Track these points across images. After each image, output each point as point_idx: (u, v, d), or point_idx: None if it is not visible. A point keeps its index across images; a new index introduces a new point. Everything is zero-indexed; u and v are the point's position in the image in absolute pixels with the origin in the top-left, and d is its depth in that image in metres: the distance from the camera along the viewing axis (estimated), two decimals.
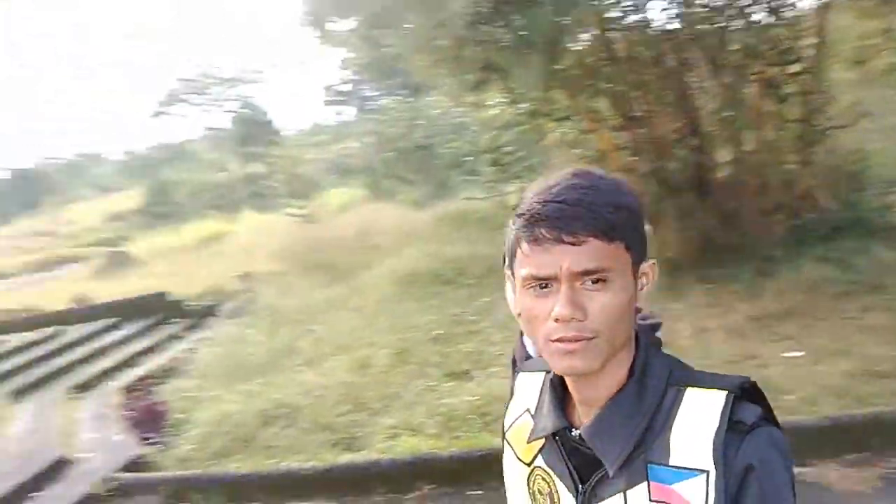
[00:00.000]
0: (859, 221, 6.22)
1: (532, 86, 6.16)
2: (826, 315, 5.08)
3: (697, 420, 0.88)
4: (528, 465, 1.04)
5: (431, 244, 10.12)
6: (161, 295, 10.91)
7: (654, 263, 0.95)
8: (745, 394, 0.89)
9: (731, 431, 0.85)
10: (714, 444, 0.85)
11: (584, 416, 0.96)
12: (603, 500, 0.92)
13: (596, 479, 0.93)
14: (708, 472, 0.84)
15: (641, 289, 0.93)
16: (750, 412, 0.87)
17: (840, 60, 7.55)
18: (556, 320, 0.86)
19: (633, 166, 6.53)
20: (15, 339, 9.68)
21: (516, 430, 1.08)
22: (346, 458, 4.57)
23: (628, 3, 6.49)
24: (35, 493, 4.78)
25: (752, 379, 0.91)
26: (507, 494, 1.10)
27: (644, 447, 0.89)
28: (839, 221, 6.28)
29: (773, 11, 6.46)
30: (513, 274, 0.94)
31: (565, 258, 0.85)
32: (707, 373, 0.95)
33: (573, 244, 0.85)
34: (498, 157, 9.44)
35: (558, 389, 1.00)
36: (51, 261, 20.89)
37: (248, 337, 7.76)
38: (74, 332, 9.83)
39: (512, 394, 1.14)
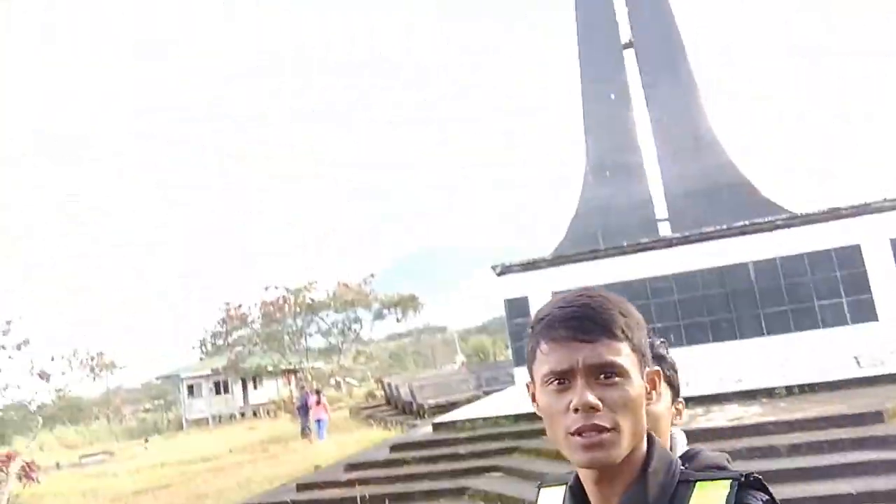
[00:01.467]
0: None
1: None
2: None
3: None
4: None
5: None
6: None
7: (658, 371, 1.05)
8: (750, 483, 0.96)
9: None
10: None
11: None
12: None
13: None
14: None
15: (649, 393, 1.02)
16: (755, 497, 0.94)
17: None
18: (576, 410, 0.94)
19: None
20: None
21: None
22: None
23: None
24: None
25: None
26: None
27: None
28: None
29: None
30: (532, 379, 1.04)
31: (580, 353, 0.96)
32: (714, 467, 1.16)
33: (587, 342, 0.97)
34: None
35: (577, 495, 1.05)
36: None
37: None
38: None
39: None
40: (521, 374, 12.46)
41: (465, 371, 27.37)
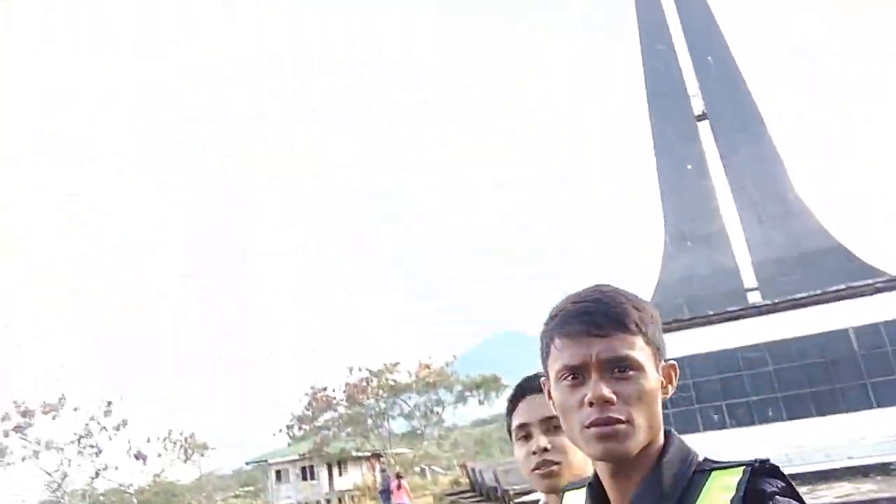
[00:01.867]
0: None
1: None
2: None
3: (719, 494, 0.94)
4: None
5: None
6: None
7: (673, 365, 1.05)
8: (765, 469, 0.95)
9: (750, 500, 0.91)
10: None
11: None
12: None
13: None
14: None
15: (665, 386, 1.03)
16: (770, 483, 0.94)
17: None
18: (591, 404, 0.96)
19: None
20: None
21: None
22: None
23: None
24: None
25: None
26: None
27: None
28: None
29: None
30: (548, 376, 1.06)
31: (594, 348, 0.98)
32: (733, 461, 0.99)
33: (601, 336, 0.98)
34: None
35: (596, 490, 1.06)
36: None
37: None
38: None
39: None
40: None
41: None
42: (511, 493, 19.78)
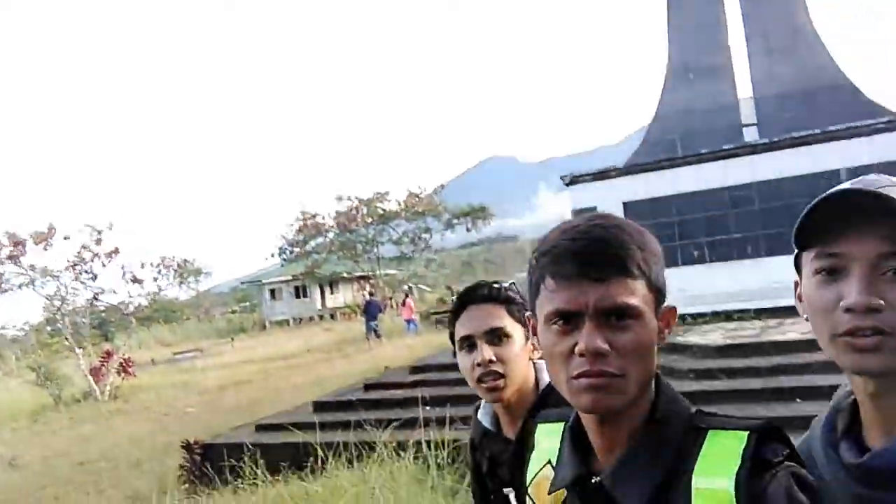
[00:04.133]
0: None
1: None
2: None
3: (720, 460, 0.84)
4: None
5: None
6: None
7: (673, 308, 0.95)
8: (769, 434, 0.85)
9: (756, 470, 0.82)
10: (737, 484, 0.81)
11: (604, 462, 0.94)
12: None
13: None
14: None
15: (662, 332, 0.93)
16: (774, 451, 0.84)
17: None
18: (581, 355, 0.86)
19: None
20: None
21: (538, 484, 1.06)
22: None
23: None
24: None
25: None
26: None
27: (666, 490, 0.86)
28: None
29: None
30: (534, 314, 0.95)
31: (591, 294, 0.86)
32: (728, 416, 0.91)
33: (598, 280, 0.86)
34: None
35: (577, 436, 0.98)
36: None
37: None
38: None
39: (532, 446, 1.12)
40: None
41: None
42: None
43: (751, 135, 12.29)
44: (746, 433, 0.85)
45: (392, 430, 7.25)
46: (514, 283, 1.62)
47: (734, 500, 0.81)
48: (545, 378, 1.56)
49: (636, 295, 0.87)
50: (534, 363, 1.60)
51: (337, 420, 8.39)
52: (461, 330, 1.57)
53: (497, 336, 1.51)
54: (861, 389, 0.93)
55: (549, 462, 1.07)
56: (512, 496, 1.50)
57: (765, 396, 6.27)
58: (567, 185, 11.93)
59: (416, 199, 34.30)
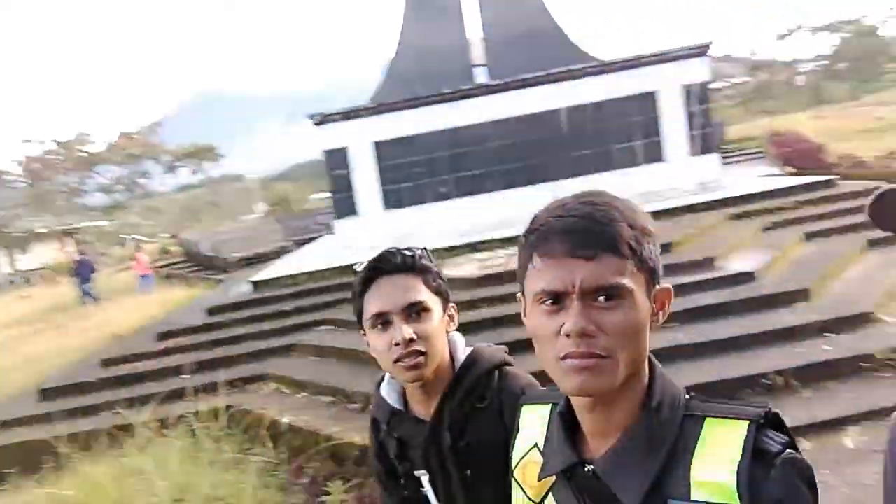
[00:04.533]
0: None
1: None
2: None
3: (720, 452, 0.84)
4: (539, 503, 1.01)
5: None
6: None
7: (668, 289, 0.92)
8: (768, 423, 0.85)
9: (757, 461, 0.82)
10: (738, 476, 0.81)
11: (596, 450, 0.93)
12: None
13: None
14: None
15: (656, 314, 0.90)
16: (775, 441, 0.84)
17: None
18: (568, 336, 0.84)
19: None
20: None
21: (524, 468, 1.06)
22: None
23: None
24: (828, 334, 5.54)
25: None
26: None
27: (663, 481, 0.85)
28: None
29: None
30: (523, 293, 0.93)
31: (578, 273, 0.84)
32: (724, 403, 0.90)
33: (586, 259, 0.84)
34: None
35: (568, 421, 0.97)
36: None
37: None
38: None
39: (517, 428, 1.12)
40: (341, 226, 12.15)
41: (271, 221, 26.36)
42: (231, 261, 19.70)
43: (481, 76, 13.07)
44: (746, 423, 0.84)
45: (151, 408, 6.43)
46: (425, 249, 1.48)
47: (736, 491, 0.80)
48: (461, 355, 1.49)
49: (625, 274, 0.84)
50: (448, 338, 1.49)
51: (75, 406, 7.19)
52: (373, 306, 1.39)
53: (416, 311, 1.37)
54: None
55: (536, 446, 1.05)
56: (425, 479, 1.45)
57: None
58: (317, 124, 11.51)
59: (130, 139, 30.30)
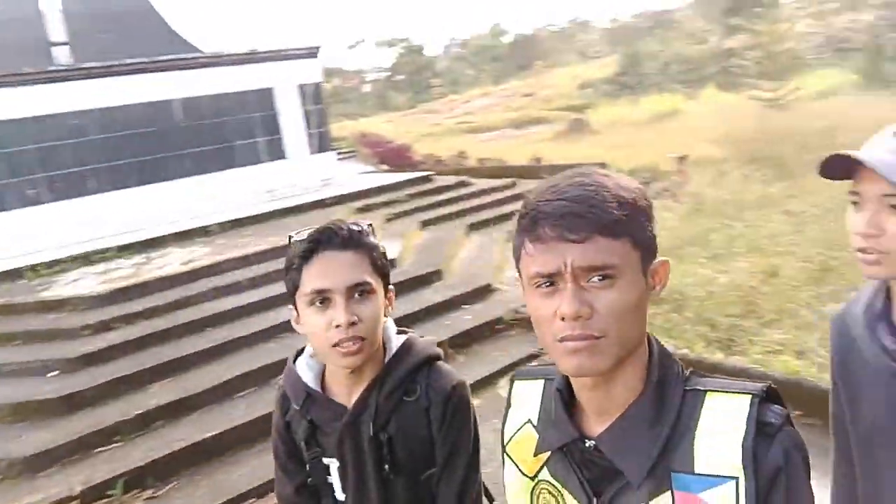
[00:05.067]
0: None
1: None
2: None
3: (723, 425, 0.87)
4: (533, 478, 1.03)
5: None
6: (602, 166, 8.79)
7: (665, 261, 0.93)
8: (768, 397, 0.89)
9: (760, 434, 0.85)
10: (744, 449, 0.84)
11: (596, 426, 0.94)
12: None
13: (613, 491, 0.91)
14: (738, 479, 0.84)
15: (653, 288, 0.91)
16: (775, 414, 0.88)
17: None
18: (563, 318, 0.84)
19: None
20: (481, 184, 11.22)
21: (518, 443, 1.07)
22: (717, 356, 4.51)
23: None
24: (465, 306, 6.40)
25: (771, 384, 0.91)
26: None
27: (666, 454, 0.88)
28: None
29: None
30: (520, 275, 0.93)
31: (569, 254, 0.84)
32: (722, 378, 0.93)
33: (577, 241, 0.83)
34: None
35: (566, 397, 0.98)
36: (524, 120, 23.03)
37: (662, 220, 6.70)
38: (523, 186, 10.91)
39: (508, 404, 1.12)
40: None
41: None
42: None
43: (63, 55, 11.08)
44: (749, 397, 0.88)
45: None
46: (370, 225, 1.43)
47: (741, 464, 0.84)
48: (393, 342, 1.44)
49: (617, 254, 0.85)
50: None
51: None
52: (313, 281, 1.29)
53: (360, 292, 1.30)
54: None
55: (529, 421, 1.06)
56: (334, 468, 1.39)
57: (176, 333, 6.19)
58: None
59: None
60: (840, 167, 1.14)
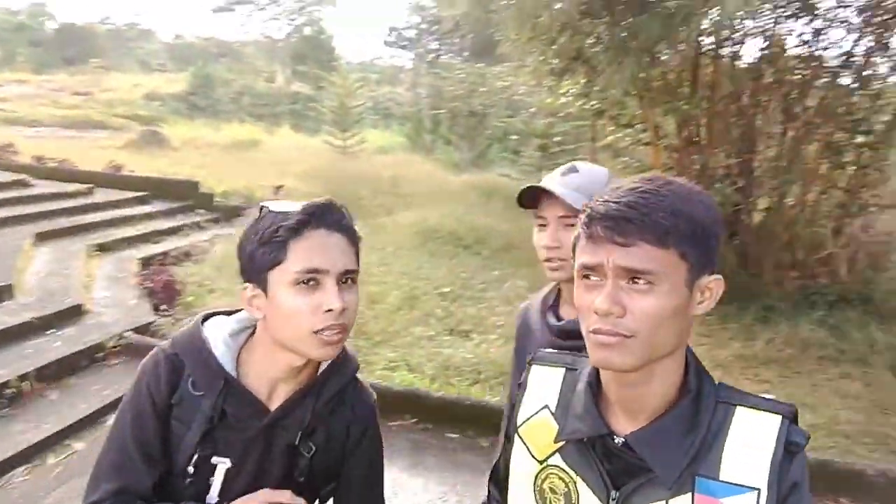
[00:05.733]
0: (868, 299, 6.24)
1: (613, 86, 5.82)
2: (807, 372, 5.22)
3: (752, 439, 0.92)
4: (541, 462, 1.06)
5: (458, 207, 10.54)
6: (195, 184, 10.78)
7: (718, 279, 0.94)
8: (793, 415, 0.94)
9: (786, 453, 0.91)
10: (772, 465, 0.90)
11: (624, 423, 0.98)
12: None
13: (635, 486, 0.95)
14: (759, 490, 0.89)
15: (701, 303, 0.93)
16: (800, 435, 0.93)
17: None
18: (596, 312, 0.89)
19: None
20: (48, 187, 9.66)
21: (533, 427, 1.08)
22: None
23: (727, 34, 5.86)
24: (51, 331, 5.25)
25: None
26: (510, 486, 1.12)
27: (695, 461, 0.92)
28: (849, 293, 6.27)
29: (859, 78, 6.13)
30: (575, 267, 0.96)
31: (612, 254, 0.88)
32: (751, 394, 0.98)
33: (622, 245, 0.88)
34: (547, 143, 11.86)
35: (595, 391, 1.01)
36: (82, 122, 20.86)
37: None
38: (103, 194, 9.92)
39: (524, 386, 1.14)
40: None
41: None
42: None
43: None
44: (779, 417, 0.93)
45: None
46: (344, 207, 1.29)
47: (768, 478, 0.90)
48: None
49: (660, 262, 0.88)
50: None
51: None
52: (307, 259, 1.13)
53: (349, 279, 1.19)
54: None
55: (547, 407, 1.08)
56: (222, 468, 1.22)
57: None
58: None
59: None
60: (529, 197, 1.47)
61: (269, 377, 1.22)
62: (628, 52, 5.18)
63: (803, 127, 6.31)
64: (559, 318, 1.52)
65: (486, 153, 17.77)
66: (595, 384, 1.02)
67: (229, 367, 1.21)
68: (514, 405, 1.16)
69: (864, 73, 6.14)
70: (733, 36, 6.21)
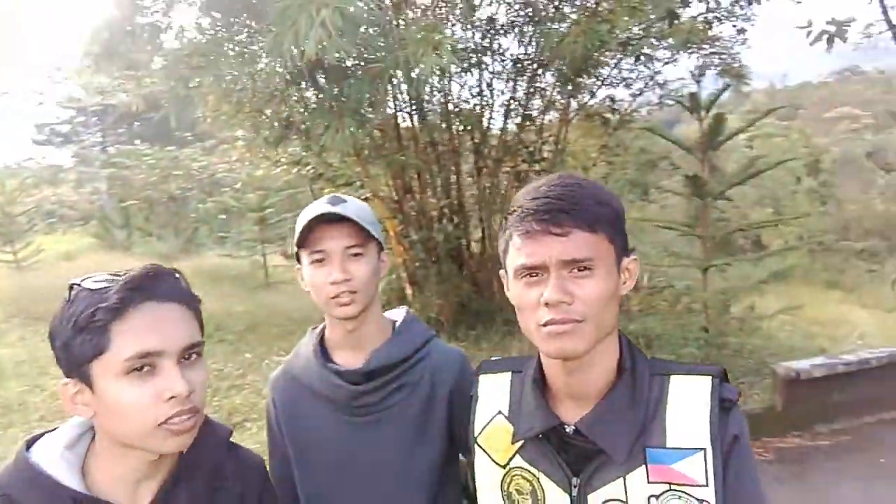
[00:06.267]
0: None
1: (330, 149, 6.06)
2: None
3: (689, 403, 0.98)
4: (504, 466, 1.08)
5: None
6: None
7: (635, 259, 1.02)
8: (724, 377, 1.01)
9: (721, 409, 0.98)
10: (710, 423, 0.96)
11: (572, 411, 1.01)
12: (598, 489, 0.99)
13: (592, 469, 0.99)
14: (705, 450, 0.95)
15: (625, 283, 1.01)
16: (731, 391, 1.00)
17: (572, 165, 8.21)
18: (547, 305, 0.93)
19: (403, 234, 7.01)
20: None
21: (490, 434, 1.11)
22: None
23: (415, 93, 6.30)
24: None
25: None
26: (479, 498, 1.13)
27: (642, 434, 0.98)
28: None
29: (526, 117, 7.19)
30: (505, 270, 1.02)
31: (553, 248, 0.93)
32: (680, 362, 1.08)
33: (560, 235, 0.93)
34: (264, 216, 11.21)
35: (541, 387, 1.04)
36: None
37: None
38: None
39: (476, 397, 1.15)
40: None
41: None
42: None
43: None
44: (710, 378, 0.99)
45: None
46: None
47: (709, 435, 0.95)
48: None
49: (594, 247, 0.94)
50: None
51: None
52: (135, 342, 0.95)
53: (186, 356, 1.09)
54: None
55: (500, 412, 1.10)
56: None
57: None
58: None
59: None
60: (304, 233, 1.29)
61: (127, 480, 1.03)
62: (342, 115, 5.13)
63: (493, 164, 7.17)
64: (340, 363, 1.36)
65: (194, 237, 16.60)
66: (540, 379, 1.05)
67: (75, 483, 1.00)
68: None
69: (527, 113, 7.22)
70: (421, 93, 6.45)
